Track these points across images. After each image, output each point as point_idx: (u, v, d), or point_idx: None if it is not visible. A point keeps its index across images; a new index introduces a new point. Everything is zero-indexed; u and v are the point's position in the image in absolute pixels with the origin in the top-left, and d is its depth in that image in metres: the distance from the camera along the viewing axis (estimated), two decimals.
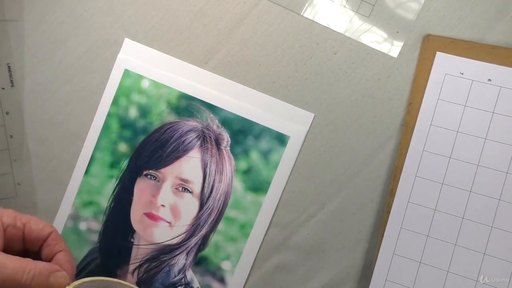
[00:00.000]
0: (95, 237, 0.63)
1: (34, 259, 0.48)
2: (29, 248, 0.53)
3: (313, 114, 0.61)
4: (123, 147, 0.63)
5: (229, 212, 0.61)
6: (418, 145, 0.59)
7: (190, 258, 0.61)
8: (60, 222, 0.63)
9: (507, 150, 0.57)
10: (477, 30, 0.60)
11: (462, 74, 0.59)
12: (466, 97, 0.59)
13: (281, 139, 0.61)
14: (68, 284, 0.49)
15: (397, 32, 0.61)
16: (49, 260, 0.52)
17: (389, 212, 0.59)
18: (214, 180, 0.61)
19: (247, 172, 0.61)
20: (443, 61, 0.60)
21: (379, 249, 0.59)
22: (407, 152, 0.59)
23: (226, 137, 0.61)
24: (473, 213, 0.57)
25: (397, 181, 0.59)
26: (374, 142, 0.61)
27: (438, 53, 0.60)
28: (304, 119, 0.61)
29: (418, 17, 0.61)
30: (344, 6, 0.62)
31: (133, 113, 0.63)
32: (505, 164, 0.57)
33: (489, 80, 0.58)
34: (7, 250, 0.49)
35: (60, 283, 0.49)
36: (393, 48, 0.61)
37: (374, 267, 0.59)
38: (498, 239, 0.57)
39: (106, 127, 0.63)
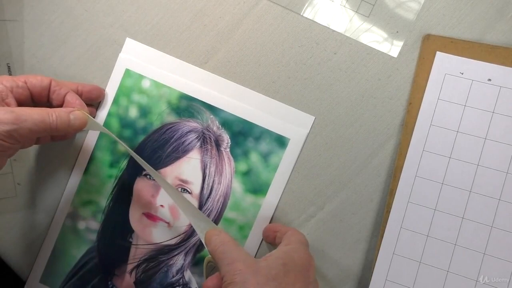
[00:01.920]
0: (93, 236, 0.62)
1: None
2: (38, 103, 0.58)
3: (313, 117, 0.61)
4: (123, 147, 0.63)
5: (228, 213, 0.61)
6: (418, 145, 0.59)
7: (189, 258, 0.61)
8: (59, 221, 0.63)
9: (507, 150, 0.57)
10: (477, 30, 0.60)
11: (462, 74, 0.59)
12: (466, 97, 0.59)
13: (281, 142, 0.61)
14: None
15: (397, 32, 0.61)
16: (60, 103, 0.58)
17: (389, 212, 0.59)
18: (213, 181, 0.61)
19: (246, 174, 0.61)
20: (443, 61, 0.60)
21: (379, 249, 0.59)
22: (407, 152, 0.59)
23: (226, 139, 0.61)
24: (473, 213, 0.57)
25: (397, 181, 0.59)
26: (374, 142, 0.61)
27: (438, 53, 0.60)
28: (304, 122, 0.61)
29: (418, 17, 0.61)
30: (344, 6, 0.62)
31: (133, 113, 0.63)
32: (505, 164, 0.57)
33: (489, 80, 0.58)
34: None
35: (79, 119, 0.56)
36: (393, 48, 0.61)
37: (374, 267, 0.59)
38: (498, 239, 0.56)
39: (106, 127, 0.63)
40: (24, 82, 0.56)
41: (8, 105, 0.54)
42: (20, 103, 0.56)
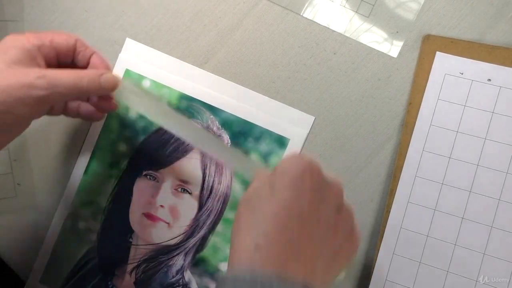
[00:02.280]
0: (93, 237, 0.62)
1: None
2: (63, 62, 0.55)
3: (313, 117, 0.61)
4: (123, 147, 0.63)
5: (228, 213, 0.61)
6: (418, 145, 0.59)
7: (189, 259, 0.61)
8: (59, 221, 0.63)
9: (507, 150, 0.57)
10: (477, 30, 0.60)
11: (462, 74, 0.59)
12: (466, 97, 0.59)
13: (281, 142, 0.61)
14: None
15: (397, 32, 0.61)
16: (85, 67, 0.56)
17: (389, 212, 0.59)
18: (213, 181, 0.61)
19: None
20: (443, 61, 0.60)
21: (379, 249, 0.59)
22: (407, 152, 0.59)
23: (226, 139, 0.61)
24: (473, 213, 0.57)
25: (397, 181, 0.59)
26: (374, 142, 0.61)
27: (438, 53, 0.60)
28: (304, 122, 0.61)
29: (418, 17, 0.61)
30: (344, 6, 0.62)
31: (133, 113, 0.63)
32: (505, 164, 0.57)
33: (489, 80, 0.58)
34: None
35: (110, 82, 0.54)
36: (393, 48, 0.61)
37: (374, 267, 0.58)
38: (498, 239, 0.56)
39: (106, 127, 0.63)
40: (50, 41, 0.54)
41: (38, 66, 0.51)
42: (46, 63, 0.54)
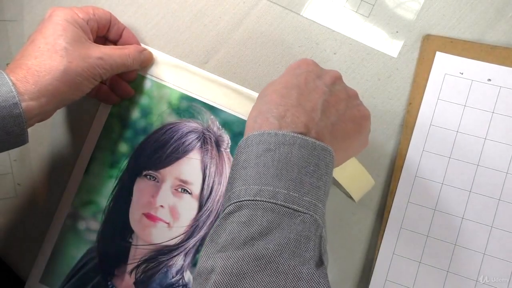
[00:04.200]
0: (93, 237, 0.62)
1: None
2: (99, 35, 0.61)
3: None
4: (123, 147, 0.63)
5: None
6: (418, 145, 0.59)
7: (188, 259, 0.61)
8: (59, 221, 0.63)
9: (507, 150, 0.57)
10: (477, 30, 0.60)
11: (462, 74, 0.59)
12: (466, 97, 0.59)
13: None
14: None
15: (397, 32, 0.61)
16: (117, 39, 0.62)
17: (389, 212, 0.59)
18: (213, 181, 0.61)
19: None
20: (442, 61, 0.60)
21: (379, 249, 0.59)
22: (407, 152, 0.59)
23: (226, 139, 0.61)
24: (473, 213, 0.57)
25: (397, 181, 0.59)
26: (374, 142, 0.61)
27: (437, 53, 0.60)
28: None
29: (418, 17, 0.61)
30: (344, 6, 0.62)
31: (134, 113, 0.63)
32: (505, 164, 0.57)
33: (489, 80, 0.58)
34: None
35: (148, 57, 0.62)
36: (393, 48, 0.61)
37: (374, 267, 0.58)
38: (498, 239, 0.56)
39: (107, 127, 0.63)
40: (93, 14, 0.58)
41: (90, 40, 0.57)
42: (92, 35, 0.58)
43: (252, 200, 0.41)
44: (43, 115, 0.53)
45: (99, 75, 0.55)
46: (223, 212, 0.42)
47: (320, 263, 0.40)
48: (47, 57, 0.52)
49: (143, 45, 0.63)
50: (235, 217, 0.41)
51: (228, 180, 0.45)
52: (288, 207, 0.40)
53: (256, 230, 0.39)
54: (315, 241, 0.40)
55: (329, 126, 0.45)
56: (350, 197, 0.56)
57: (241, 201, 0.41)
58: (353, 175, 0.54)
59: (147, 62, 0.62)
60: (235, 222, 0.40)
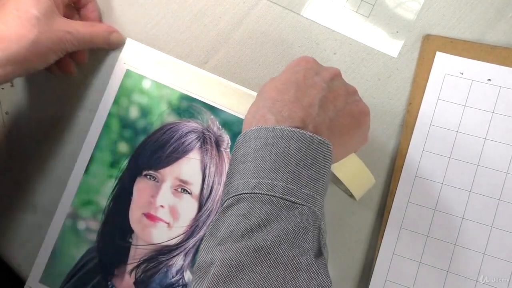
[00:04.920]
0: (93, 237, 0.62)
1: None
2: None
3: None
4: (123, 147, 0.63)
5: None
6: (418, 145, 0.59)
7: (188, 259, 0.61)
8: (59, 221, 0.63)
9: (507, 150, 0.57)
10: (477, 30, 0.60)
11: (462, 74, 0.59)
12: (466, 97, 0.59)
13: None
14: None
15: (397, 32, 0.61)
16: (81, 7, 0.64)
17: (389, 212, 0.59)
18: (213, 181, 0.61)
19: None
20: (443, 61, 0.60)
21: (379, 249, 0.59)
22: (407, 152, 0.59)
23: (226, 139, 0.61)
24: (473, 213, 0.57)
25: (397, 181, 0.59)
26: (374, 142, 0.61)
27: (438, 53, 0.60)
28: None
29: (418, 17, 0.61)
30: (344, 6, 0.62)
31: (134, 113, 0.63)
32: (505, 164, 0.57)
33: (489, 80, 0.58)
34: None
35: (117, 40, 0.64)
36: (393, 48, 0.61)
37: (374, 267, 0.58)
38: (498, 239, 0.56)
39: (106, 127, 0.63)
40: None
41: (60, 13, 0.58)
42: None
43: (251, 193, 0.41)
44: (3, 81, 0.53)
45: (65, 49, 0.57)
46: (221, 206, 0.42)
47: (319, 254, 0.40)
48: (17, 23, 0.52)
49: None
50: (233, 210, 0.41)
51: (227, 175, 0.45)
52: (286, 199, 0.41)
53: (255, 222, 0.40)
54: (313, 232, 0.40)
55: (326, 121, 0.45)
56: (351, 196, 0.56)
57: (239, 194, 0.42)
58: (354, 173, 0.54)
59: (116, 44, 0.64)
60: (234, 215, 0.41)
